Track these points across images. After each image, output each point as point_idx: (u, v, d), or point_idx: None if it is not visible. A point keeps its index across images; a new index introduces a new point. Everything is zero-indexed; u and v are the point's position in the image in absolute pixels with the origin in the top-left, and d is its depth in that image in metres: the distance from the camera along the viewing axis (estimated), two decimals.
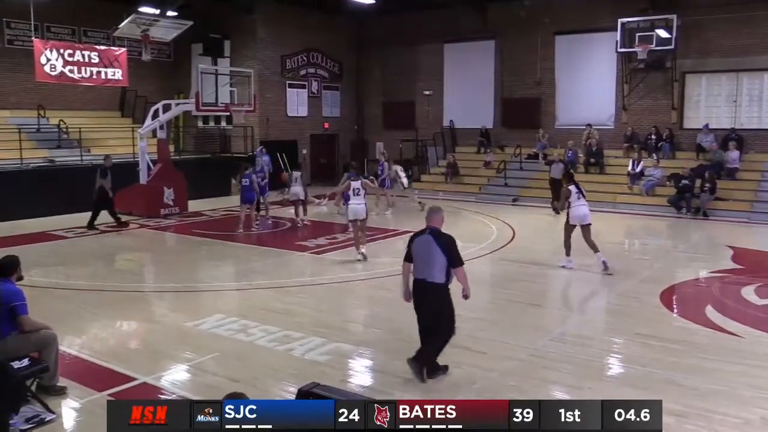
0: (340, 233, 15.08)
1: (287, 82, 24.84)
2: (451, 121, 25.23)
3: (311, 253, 13.18)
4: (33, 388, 5.91)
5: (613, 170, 20.88)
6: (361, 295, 10.02)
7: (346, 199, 13.33)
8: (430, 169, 24.78)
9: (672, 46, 19.79)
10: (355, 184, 12.17)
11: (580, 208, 11.20)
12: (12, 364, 5.61)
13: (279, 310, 9.03)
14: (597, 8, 21.67)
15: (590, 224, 11.23)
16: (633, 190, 19.55)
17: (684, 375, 6.71)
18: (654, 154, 20.17)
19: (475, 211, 18.92)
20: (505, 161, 22.46)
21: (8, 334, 5.96)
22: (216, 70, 19.70)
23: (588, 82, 22.44)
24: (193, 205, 18.43)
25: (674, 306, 9.62)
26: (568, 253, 11.41)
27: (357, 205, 12.05)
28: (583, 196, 11.33)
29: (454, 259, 6.30)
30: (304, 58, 25.44)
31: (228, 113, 19.91)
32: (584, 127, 22.06)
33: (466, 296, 6.50)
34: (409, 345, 7.58)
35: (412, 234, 6.72)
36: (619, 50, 20.67)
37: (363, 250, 12.16)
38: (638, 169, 19.83)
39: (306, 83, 25.63)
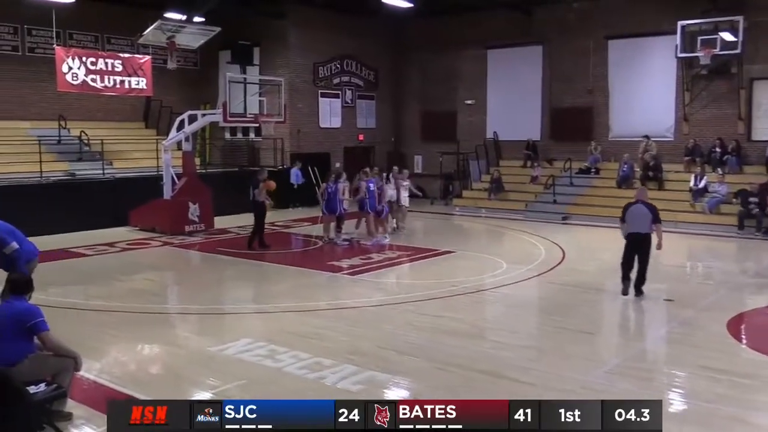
0: (375, 253, 15.12)
1: (320, 91, 25.04)
2: (494, 132, 25.13)
3: (344, 273, 13.21)
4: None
5: (673, 186, 20.59)
6: (398, 319, 9.97)
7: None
8: (472, 184, 24.73)
9: (738, 51, 19.48)
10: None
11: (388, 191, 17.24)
12: (29, 388, 5.70)
13: (309, 335, 9.04)
14: (653, 10, 21.44)
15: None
16: (695, 207, 19.21)
17: (754, 412, 6.53)
18: (719, 169, 19.84)
19: (521, 230, 18.77)
20: (554, 176, 22.29)
21: (25, 356, 6.04)
22: (244, 78, 19.91)
23: (645, 90, 22.18)
24: (220, 222, 18.63)
25: (743, 336, 9.38)
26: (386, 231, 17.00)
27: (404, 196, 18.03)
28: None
29: (657, 218, 10.73)
30: (338, 65, 25.67)
31: (257, 124, 20.14)
32: (641, 139, 21.75)
33: (659, 247, 10.74)
34: (449, 374, 7.55)
35: (626, 204, 11.01)
36: (679, 55, 20.44)
37: (396, 226, 17.98)
38: (701, 185, 19.50)
39: (340, 92, 25.82)
